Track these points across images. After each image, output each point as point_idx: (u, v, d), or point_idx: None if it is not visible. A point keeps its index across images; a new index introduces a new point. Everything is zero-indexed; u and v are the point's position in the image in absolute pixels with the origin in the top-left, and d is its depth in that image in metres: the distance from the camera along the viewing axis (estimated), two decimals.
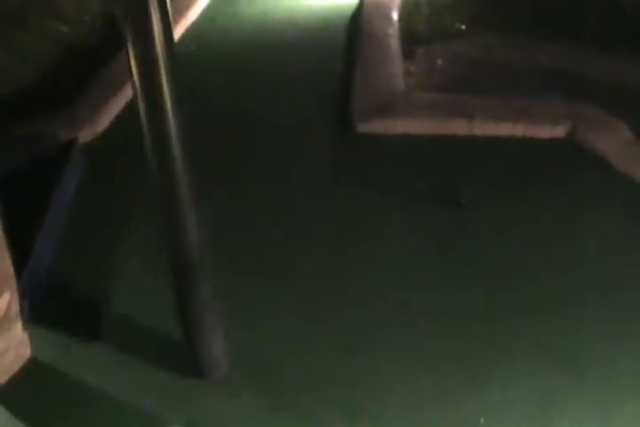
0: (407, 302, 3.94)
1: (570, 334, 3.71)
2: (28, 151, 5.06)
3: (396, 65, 6.42)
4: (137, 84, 2.74)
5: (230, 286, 3.79)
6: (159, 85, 2.72)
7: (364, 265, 4.23)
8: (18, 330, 3.56)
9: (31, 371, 3.58)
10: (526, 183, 4.95)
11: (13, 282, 3.54)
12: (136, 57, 2.70)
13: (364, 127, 5.53)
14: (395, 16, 7.56)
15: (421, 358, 3.61)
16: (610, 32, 6.56)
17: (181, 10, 7.74)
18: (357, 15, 7.73)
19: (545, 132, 5.43)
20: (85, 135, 5.51)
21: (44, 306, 3.95)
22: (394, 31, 7.16)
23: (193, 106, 5.77)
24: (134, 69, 2.72)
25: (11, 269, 3.51)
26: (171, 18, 2.71)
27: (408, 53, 6.74)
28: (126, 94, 5.89)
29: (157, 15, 2.60)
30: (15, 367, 3.55)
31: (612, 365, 3.55)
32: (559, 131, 5.41)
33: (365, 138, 5.46)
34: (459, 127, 5.47)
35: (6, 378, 3.51)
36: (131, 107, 5.72)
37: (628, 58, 6.36)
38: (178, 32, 7.36)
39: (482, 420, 3.29)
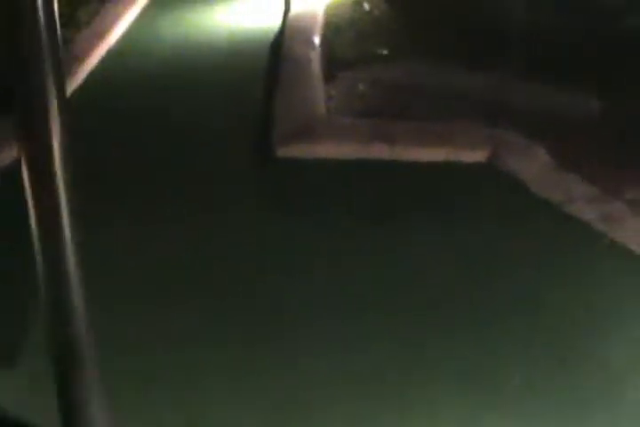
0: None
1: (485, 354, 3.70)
2: None
3: (317, 89, 6.41)
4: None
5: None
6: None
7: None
8: None
9: None
10: (447, 206, 4.95)
11: None
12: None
13: (283, 152, 5.49)
14: (317, 40, 7.57)
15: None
16: (533, 60, 6.65)
17: (101, 33, 7.69)
18: (279, 39, 7.73)
19: (466, 156, 5.45)
20: (4, 158, 5.37)
21: None
22: (315, 55, 7.17)
23: (105, 132, 5.84)
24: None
25: None
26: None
27: (329, 77, 6.74)
28: None
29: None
30: None
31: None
32: (480, 155, 5.44)
33: (285, 162, 5.42)
34: (380, 151, 5.47)
35: None
36: None
37: (550, 85, 6.43)
38: (97, 55, 7.32)
39: None
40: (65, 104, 2.28)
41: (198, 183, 5.22)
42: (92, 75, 6.95)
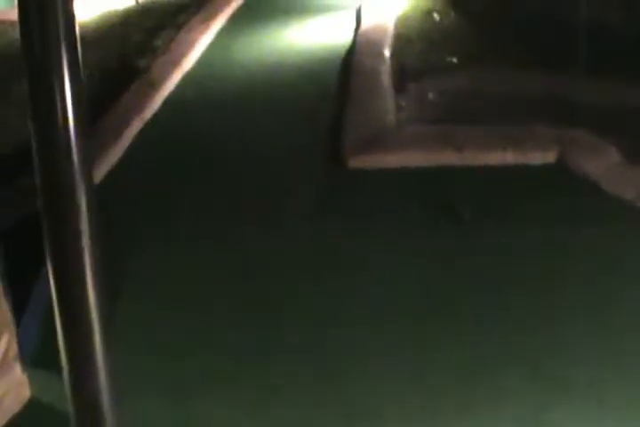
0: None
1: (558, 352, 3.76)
2: (29, 205, 5.16)
3: (387, 100, 6.53)
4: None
5: None
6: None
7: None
8: (17, 372, 3.64)
9: (31, 412, 3.64)
10: (519, 209, 5.01)
11: (11, 325, 3.63)
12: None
13: (355, 162, 5.62)
14: (387, 53, 7.70)
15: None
16: (602, 58, 6.66)
17: (176, 59, 7.95)
18: (350, 53, 7.89)
19: (535, 158, 5.50)
20: None
21: (42, 349, 4.03)
22: (386, 67, 7.31)
23: (189, 145, 6.11)
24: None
25: (9, 314, 3.61)
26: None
27: (399, 88, 6.85)
28: (117, 150, 6.07)
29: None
30: (15, 408, 3.63)
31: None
32: (549, 156, 5.48)
33: (357, 172, 5.56)
34: (449, 158, 5.55)
35: (7, 418, 3.58)
36: (122, 164, 5.92)
37: (620, 83, 6.44)
38: (174, 80, 7.56)
39: None
40: (92, 188, 2.17)
41: (279, 194, 5.46)
42: (169, 100, 7.21)
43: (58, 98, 2.04)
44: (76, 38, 2.03)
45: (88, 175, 2.12)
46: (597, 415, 3.37)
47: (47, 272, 3.85)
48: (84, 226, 2.17)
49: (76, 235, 2.19)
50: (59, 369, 3.82)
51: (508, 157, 5.54)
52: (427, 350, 3.85)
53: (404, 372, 3.72)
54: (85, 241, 2.19)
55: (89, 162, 2.14)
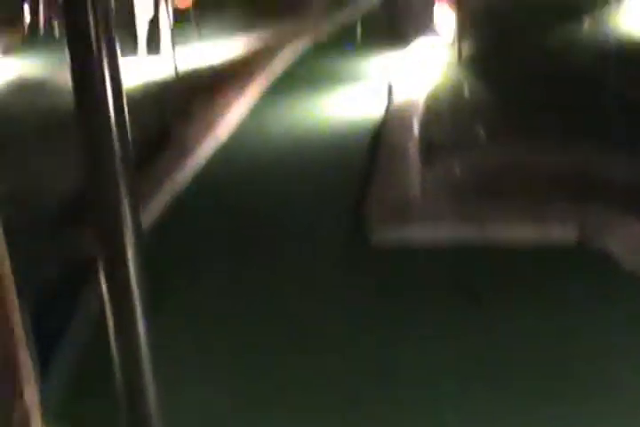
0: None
1: None
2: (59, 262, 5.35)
3: (413, 174, 6.64)
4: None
5: None
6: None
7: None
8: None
9: None
10: (538, 286, 5.04)
11: (36, 382, 3.70)
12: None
13: (379, 235, 5.73)
14: (415, 127, 7.84)
15: None
16: (630, 134, 6.75)
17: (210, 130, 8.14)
18: (380, 128, 8.04)
19: (556, 233, 5.54)
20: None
21: (64, 404, 4.15)
22: (413, 142, 7.44)
23: (219, 217, 6.22)
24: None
25: (31, 367, 3.69)
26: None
27: (426, 163, 6.95)
28: (152, 213, 6.23)
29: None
30: None
31: None
32: (570, 232, 5.51)
33: (380, 248, 5.65)
34: (471, 233, 5.62)
35: None
36: (150, 230, 6.05)
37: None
38: (206, 151, 7.74)
39: None
40: (139, 226, 2.38)
41: (300, 267, 5.57)
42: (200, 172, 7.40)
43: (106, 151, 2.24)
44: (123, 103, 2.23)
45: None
46: None
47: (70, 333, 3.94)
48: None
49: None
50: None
51: (529, 233, 5.58)
52: None
53: None
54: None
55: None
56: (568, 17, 10.20)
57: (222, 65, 11.61)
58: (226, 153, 7.81)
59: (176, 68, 10.75)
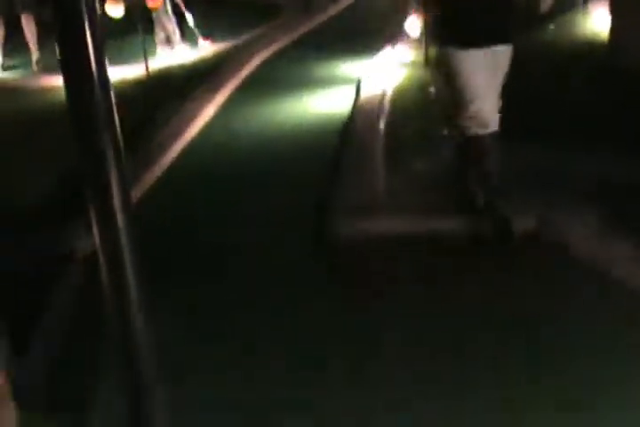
0: None
1: None
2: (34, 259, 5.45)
3: (379, 169, 6.75)
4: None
5: None
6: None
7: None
8: (10, 413, 3.77)
9: None
10: (496, 277, 5.12)
11: (8, 367, 3.79)
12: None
13: (345, 228, 5.81)
14: (382, 125, 7.96)
15: None
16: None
17: (177, 132, 8.23)
18: (347, 125, 8.16)
19: (517, 226, 5.63)
20: (85, 247, 5.81)
21: (38, 393, 4.19)
22: (380, 140, 7.55)
23: (184, 217, 6.31)
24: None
25: (5, 355, 3.78)
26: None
27: (391, 160, 7.06)
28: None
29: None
30: None
31: None
32: (530, 224, 5.60)
33: (343, 240, 5.72)
34: (435, 225, 5.73)
35: None
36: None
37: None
38: (175, 150, 7.84)
39: None
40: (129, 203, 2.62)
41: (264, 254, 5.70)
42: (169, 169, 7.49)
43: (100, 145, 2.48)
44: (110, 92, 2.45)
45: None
46: None
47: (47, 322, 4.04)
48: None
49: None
50: (52, 414, 4.02)
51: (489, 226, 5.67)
52: None
53: None
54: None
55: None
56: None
57: (194, 65, 11.77)
58: (192, 151, 7.93)
59: (147, 68, 10.88)
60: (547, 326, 4.49)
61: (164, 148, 7.80)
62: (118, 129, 2.50)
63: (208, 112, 9.04)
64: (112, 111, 2.48)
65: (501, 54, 5.34)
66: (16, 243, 5.77)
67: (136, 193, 6.81)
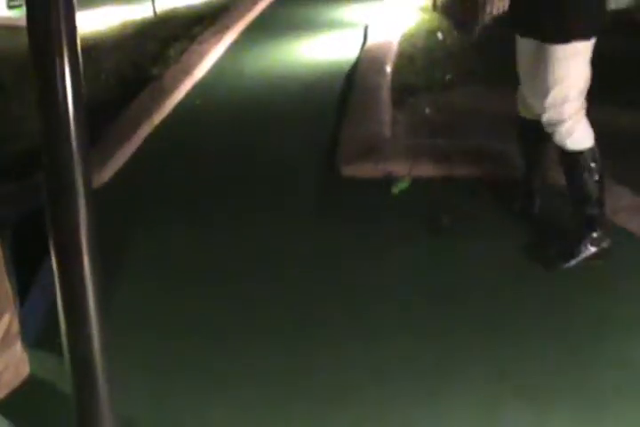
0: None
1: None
2: (39, 196, 5.51)
3: (385, 114, 6.84)
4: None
5: None
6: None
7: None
8: (18, 349, 3.93)
9: (29, 388, 3.93)
10: (492, 217, 5.27)
11: (14, 305, 3.94)
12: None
13: (347, 170, 5.93)
14: (388, 69, 8.03)
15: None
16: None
17: (188, 69, 8.30)
18: (354, 69, 8.24)
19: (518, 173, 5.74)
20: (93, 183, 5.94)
21: (44, 329, 4.34)
22: (386, 83, 7.64)
23: (195, 151, 6.47)
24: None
25: (12, 294, 3.92)
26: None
27: (398, 103, 7.17)
28: (132, 147, 6.46)
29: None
30: (14, 384, 3.92)
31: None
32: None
33: (349, 180, 5.88)
34: (438, 170, 5.84)
35: (6, 393, 3.88)
36: (135, 159, 6.31)
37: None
38: (184, 89, 7.92)
39: None
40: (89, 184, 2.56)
41: (274, 194, 5.85)
42: (178, 106, 7.58)
43: (60, 96, 2.33)
44: (76, 45, 2.31)
45: (86, 161, 2.45)
46: None
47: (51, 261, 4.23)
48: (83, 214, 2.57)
49: (76, 220, 2.55)
50: (59, 350, 4.17)
51: (494, 172, 5.79)
52: None
53: None
54: (83, 223, 2.59)
55: (87, 152, 2.45)
56: None
57: (203, 6, 11.77)
58: (202, 91, 8.01)
59: (154, 9, 10.90)
60: None
61: (173, 85, 7.87)
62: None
63: (217, 52, 9.10)
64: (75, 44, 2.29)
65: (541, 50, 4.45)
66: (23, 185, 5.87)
67: (146, 128, 6.96)
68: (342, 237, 5.18)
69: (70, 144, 2.41)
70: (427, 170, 5.88)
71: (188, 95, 7.89)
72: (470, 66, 7.95)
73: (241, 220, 5.45)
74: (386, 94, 7.35)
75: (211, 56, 8.88)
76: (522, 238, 4.98)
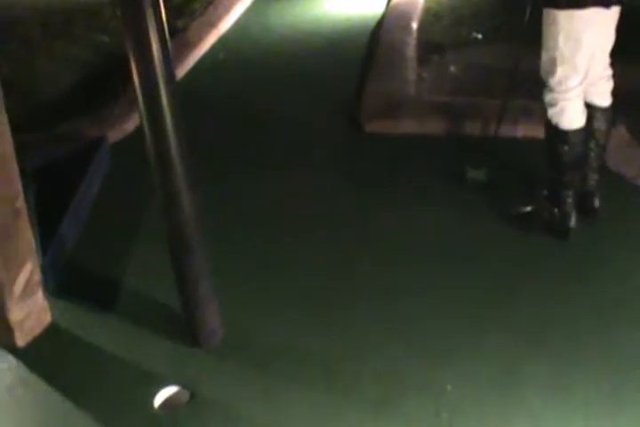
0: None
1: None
2: (63, 146, 5.55)
3: (409, 71, 6.81)
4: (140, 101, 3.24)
5: (228, 266, 4.33)
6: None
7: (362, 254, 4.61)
8: (39, 297, 3.98)
9: (51, 335, 4.00)
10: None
11: (36, 254, 3.98)
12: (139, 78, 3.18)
13: (371, 127, 5.93)
14: (414, 25, 7.97)
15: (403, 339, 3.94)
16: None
17: (213, 22, 8.26)
18: (379, 25, 8.18)
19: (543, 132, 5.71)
20: (115, 134, 5.96)
21: (65, 279, 4.41)
22: (411, 40, 7.59)
23: (218, 105, 6.46)
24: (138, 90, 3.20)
25: (34, 243, 3.96)
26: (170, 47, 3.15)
27: (423, 60, 7.13)
28: None
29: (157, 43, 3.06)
30: (36, 331, 3.98)
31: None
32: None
33: (372, 136, 5.90)
34: (457, 129, 5.84)
35: (28, 340, 3.94)
36: None
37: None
38: (208, 42, 7.88)
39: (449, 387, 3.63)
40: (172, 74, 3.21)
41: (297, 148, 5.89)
42: (203, 59, 7.59)
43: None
44: None
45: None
46: None
47: (72, 215, 4.32)
48: None
49: None
50: (79, 299, 4.24)
51: (518, 130, 5.76)
52: None
53: None
54: None
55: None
56: None
57: None
58: (227, 45, 8.00)
59: None
60: None
61: (198, 38, 7.84)
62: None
63: (243, 5, 9.03)
64: None
65: None
66: (49, 131, 5.89)
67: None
68: (364, 191, 5.25)
69: None
70: (448, 128, 5.87)
71: (212, 49, 7.85)
72: (496, 24, 7.85)
73: (262, 174, 5.49)
74: (411, 51, 7.31)
75: (236, 9, 8.82)
76: None
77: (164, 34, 3.10)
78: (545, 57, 4.38)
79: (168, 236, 3.60)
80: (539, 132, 5.36)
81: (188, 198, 3.47)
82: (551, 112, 4.48)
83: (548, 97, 4.46)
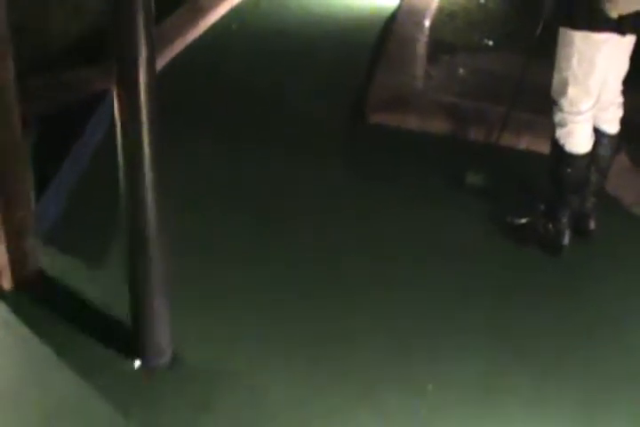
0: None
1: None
2: (68, 94, 5.49)
3: (418, 67, 6.81)
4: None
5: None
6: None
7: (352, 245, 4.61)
8: (31, 243, 3.94)
9: (38, 282, 3.97)
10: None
11: (30, 201, 3.94)
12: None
13: (374, 118, 5.94)
14: (427, 23, 7.97)
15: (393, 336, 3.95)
16: None
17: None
18: (392, 20, 8.16)
19: (545, 146, 5.71)
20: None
21: (57, 228, 4.38)
22: (423, 37, 7.58)
23: (225, 78, 6.40)
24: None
25: (29, 190, 3.92)
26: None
27: (433, 59, 7.13)
28: (169, 54, 6.59)
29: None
30: (24, 276, 3.94)
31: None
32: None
33: (375, 128, 5.91)
34: (461, 131, 5.85)
35: (14, 284, 3.91)
36: (171, 65, 6.23)
37: None
38: (220, 12, 7.81)
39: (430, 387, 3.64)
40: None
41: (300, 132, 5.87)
42: (214, 28, 7.65)
43: None
44: None
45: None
46: None
47: (70, 164, 4.26)
48: None
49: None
50: (70, 247, 4.20)
51: (521, 142, 5.78)
52: None
53: None
54: None
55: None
56: None
57: None
58: (239, 18, 7.94)
59: None
60: None
61: (210, 6, 7.78)
62: None
63: None
64: None
65: None
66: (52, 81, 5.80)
67: (178, 46, 6.89)
68: (361, 184, 5.23)
69: None
70: (448, 129, 5.89)
71: (224, 18, 7.79)
72: (508, 31, 7.87)
73: (262, 160, 5.43)
74: (421, 48, 7.31)
75: None
76: None
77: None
78: (557, 77, 4.38)
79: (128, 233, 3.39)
80: (541, 147, 5.44)
81: (153, 208, 3.27)
82: (559, 133, 4.49)
83: (557, 117, 4.46)
